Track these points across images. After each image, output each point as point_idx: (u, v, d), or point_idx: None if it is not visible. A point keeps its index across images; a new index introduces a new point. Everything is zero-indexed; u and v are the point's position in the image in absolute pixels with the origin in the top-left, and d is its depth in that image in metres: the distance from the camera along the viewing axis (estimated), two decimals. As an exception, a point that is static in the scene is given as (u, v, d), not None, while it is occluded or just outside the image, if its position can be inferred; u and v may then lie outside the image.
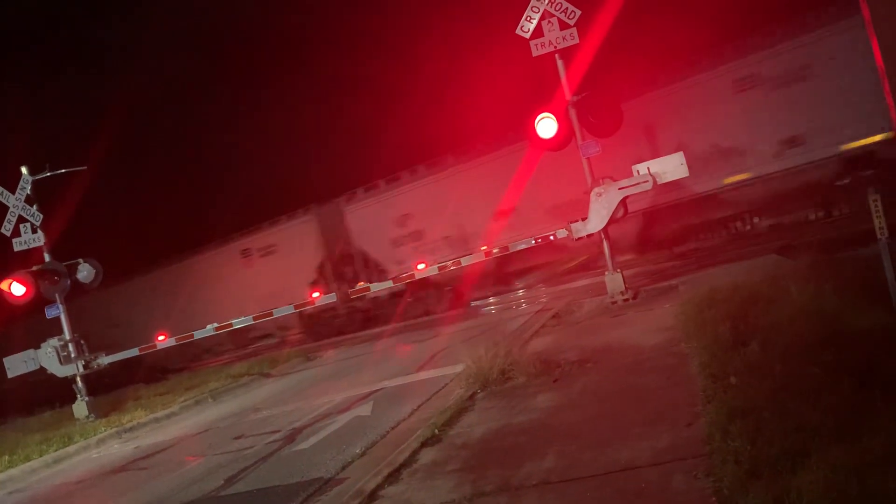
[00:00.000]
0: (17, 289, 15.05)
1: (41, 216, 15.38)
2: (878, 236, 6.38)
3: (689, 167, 12.33)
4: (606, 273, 12.84)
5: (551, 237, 13.35)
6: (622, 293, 12.59)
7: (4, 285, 14.99)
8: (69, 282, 15.72)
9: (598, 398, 6.99)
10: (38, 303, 15.61)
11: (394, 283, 16.09)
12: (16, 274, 15.11)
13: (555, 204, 17.22)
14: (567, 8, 12.31)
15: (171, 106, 38.57)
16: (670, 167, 12.34)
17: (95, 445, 12.68)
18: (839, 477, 3.65)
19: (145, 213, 34.56)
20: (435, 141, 23.29)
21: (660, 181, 12.33)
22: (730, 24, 18.19)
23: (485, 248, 14.65)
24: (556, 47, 12.54)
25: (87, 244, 17.77)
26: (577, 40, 12.43)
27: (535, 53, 12.62)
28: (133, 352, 16.28)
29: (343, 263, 22.24)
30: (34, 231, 15.41)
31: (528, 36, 12.56)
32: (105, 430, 13.24)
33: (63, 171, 15.62)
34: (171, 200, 36.02)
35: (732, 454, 4.36)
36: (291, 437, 9.32)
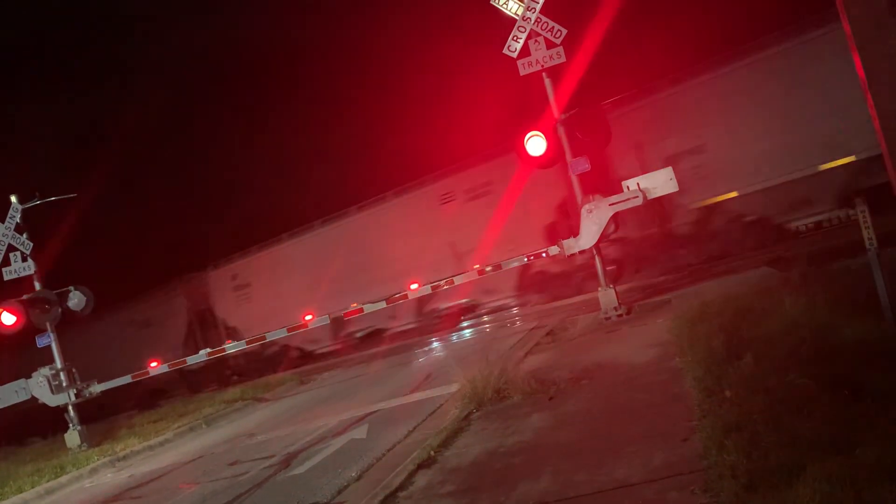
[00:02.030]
0: (8, 318, 14.96)
1: (31, 245, 15.32)
2: (867, 247, 6.42)
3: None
4: (599, 289, 12.84)
5: (543, 254, 13.36)
6: (616, 309, 12.60)
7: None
8: (60, 310, 15.63)
9: (593, 416, 6.96)
10: (29, 332, 15.51)
11: (387, 303, 15.98)
12: (6, 303, 15.03)
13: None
14: (553, 27, 12.42)
15: (166, 131, 38.57)
16: (660, 182, 12.40)
17: (88, 475, 12.54)
18: (835, 489, 3.65)
19: (135, 240, 34.44)
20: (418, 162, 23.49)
21: (650, 196, 12.39)
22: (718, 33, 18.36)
23: (477, 266, 14.63)
24: (543, 66, 12.63)
25: (79, 271, 17.68)
26: (564, 59, 12.52)
27: (522, 72, 12.70)
28: (126, 379, 16.15)
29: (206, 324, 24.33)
30: (24, 259, 15.34)
31: (515, 55, 12.64)
32: (98, 459, 13.11)
33: (53, 198, 15.60)
34: (162, 228, 35.94)
35: (729, 469, 4.34)
36: (287, 461, 9.25)
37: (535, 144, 12.70)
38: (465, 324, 20.36)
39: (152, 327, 25.39)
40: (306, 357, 23.23)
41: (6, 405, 15.44)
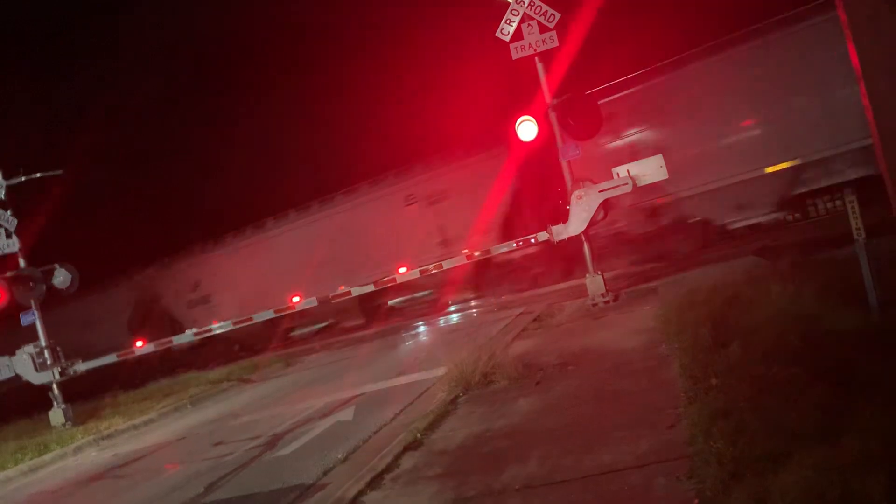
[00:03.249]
0: None
1: (15, 221, 15.15)
2: (855, 237, 6.46)
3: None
4: (587, 275, 12.87)
5: (532, 240, 13.37)
6: (603, 295, 12.63)
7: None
8: (45, 287, 15.50)
9: (580, 401, 6.99)
10: (13, 309, 15.38)
11: (375, 286, 15.93)
12: None
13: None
14: (547, 11, 12.34)
15: (155, 110, 38.15)
16: (650, 170, 12.43)
17: (72, 453, 12.48)
18: (820, 477, 3.66)
19: (122, 218, 34.12)
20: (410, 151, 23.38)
21: (639, 184, 12.41)
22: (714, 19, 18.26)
23: (466, 251, 14.63)
24: (535, 50, 12.56)
25: (64, 249, 17.50)
26: (556, 43, 12.46)
27: (514, 56, 12.63)
28: (111, 358, 16.09)
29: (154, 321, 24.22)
30: (8, 236, 15.16)
31: (507, 39, 12.57)
32: (82, 438, 13.04)
33: (38, 175, 15.41)
34: (148, 207, 35.63)
35: (714, 455, 4.36)
36: (272, 442, 9.24)
37: (527, 129, 12.67)
38: (451, 308, 20.38)
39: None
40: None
41: (-10, 382, 15.36)
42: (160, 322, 23.97)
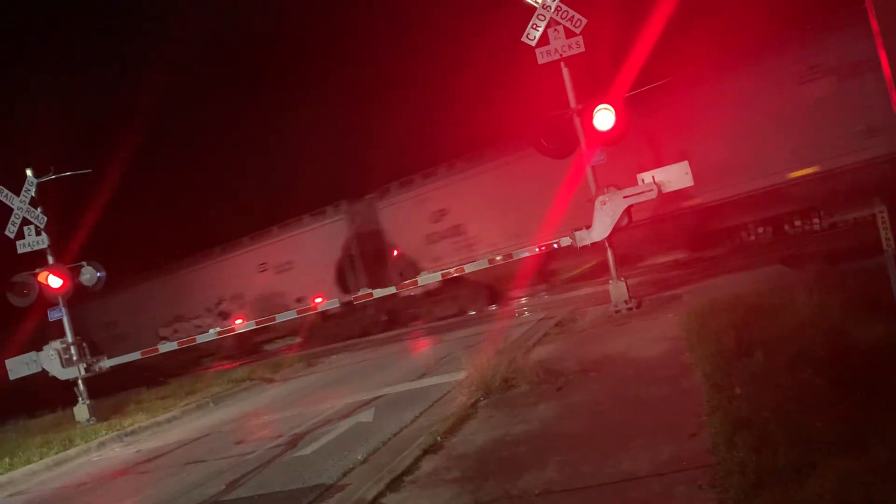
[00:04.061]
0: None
1: (45, 218, 15.40)
2: (884, 248, 6.36)
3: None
4: (610, 282, 12.81)
5: (555, 245, 13.33)
6: (626, 302, 12.56)
7: (8, 288, 15.07)
8: (72, 284, 15.74)
9: (601, 408, 6.96)
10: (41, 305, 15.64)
11: (397, 289, 16.01)
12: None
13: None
14: (573, 16, 12.31)
15: (182, 109, 38.62)
16: (675, 176, 12.33)
17: (96, 448, 12.66)
18: (845, 488, 3.62)
19: (151, 216, 34.63)
20: (443, 145, 23.31)
21: (664, 190, 12.32)
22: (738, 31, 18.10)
23: (489, 255, 14.63)
24: (561, 55, 12.54)
25: (92, 247, 17.76)
26: (582, 48, 12.41)
27: (540, 61, 12.61)
28: (135, 355, 16.29)
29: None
30: (38, 233, 15.42)
31: (533, 44, 12.56)
32: (106, 434, 13.22)
33: (68, 173, 15.65)
34: (179, 204, 36.09)
35: (737, 465, 4.32)
36: (293, 442, 9.29)
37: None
38: (471, 313, 20.38)
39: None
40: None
41: (17, 377, 15.62)
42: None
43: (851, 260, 10.13)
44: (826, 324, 6.58)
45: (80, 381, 15.40)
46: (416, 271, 19.45)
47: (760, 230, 16.90)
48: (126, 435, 13.26)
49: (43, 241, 15.43)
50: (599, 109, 12.22)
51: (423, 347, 16.01)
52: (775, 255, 13.99)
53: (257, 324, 16.50)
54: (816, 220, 16.07)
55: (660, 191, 12.24)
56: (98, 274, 15.89)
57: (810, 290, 7.91)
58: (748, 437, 4.60)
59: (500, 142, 19.71)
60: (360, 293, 16.24)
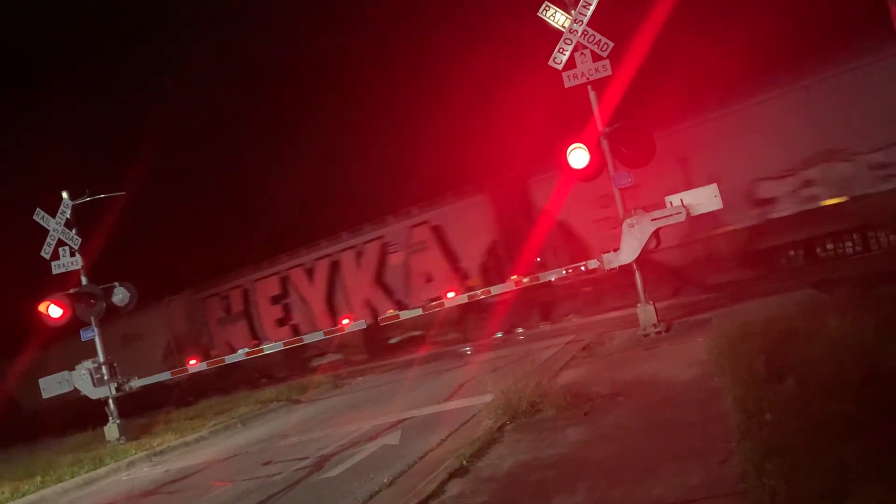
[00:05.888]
0: (55, 311, 15.36)
1: (80, 240, 15.73)
2: (919, 272, 6.26)
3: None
4: (639, 305, 12.71)
5: (582, 267, 13.29)
6: (655, 325, 12.45)
7: (42, 307, 15.35)
8: (105, 305, 16.00)
9: (630, 433, 6.88)
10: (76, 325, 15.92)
11: (424, 310, 16.00)
12: (54, 296, 15.44)
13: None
14: (600, 40, 12.37)
15: (213, 130, 39.22)
16: (703, 199, 12.25)
17: (126, 468, 12.78)
18: (880, 519, 3.55)
19: (181, 237, 35.08)
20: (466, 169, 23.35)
21: (693, 213, 12.24)
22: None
23: (514, 277, 14.62)
24: (588, 79, 12.58)
25: (123, 267, 18.08)
26: (609, 72, 12.45)
27: (567, 85, 12.66)
28: (165, 375, 16.47)
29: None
30: (72, 254, 15.74)
31: (560, 67, 12.62)
32: (135, 453, 13.35)
33: (102, 195, 15.98)
34: (209, 225, 36.51)
35: (768, 493, 4.25)
36: (319, 464, 9.31)
37: (578, 157, 12.63)
38: (498, 335, 20.26)
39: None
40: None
41: (50, 395, 15.89)
42: None
43: (886, 284, 9.96)
44: (859, 349, 6.48)
45: (110, 401, 15.60)
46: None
47: (791, 253, 16.66)
48: (155, 454, 13.37)
49: (77, 262, 15.75)
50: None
51: (449, 370, 15.97)
52: (808, 279, 13.80)
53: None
54: (849, 244, 15.83)
55: (688, 213, 12.17)
56: (129, 294, 16.15)
57: (843, 315, 7.80)
58: (779, 464, 4.52)
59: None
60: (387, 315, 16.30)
